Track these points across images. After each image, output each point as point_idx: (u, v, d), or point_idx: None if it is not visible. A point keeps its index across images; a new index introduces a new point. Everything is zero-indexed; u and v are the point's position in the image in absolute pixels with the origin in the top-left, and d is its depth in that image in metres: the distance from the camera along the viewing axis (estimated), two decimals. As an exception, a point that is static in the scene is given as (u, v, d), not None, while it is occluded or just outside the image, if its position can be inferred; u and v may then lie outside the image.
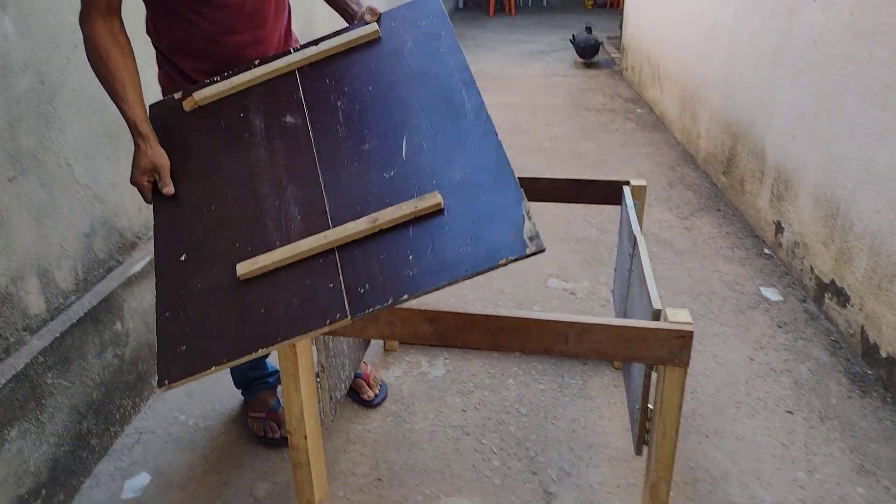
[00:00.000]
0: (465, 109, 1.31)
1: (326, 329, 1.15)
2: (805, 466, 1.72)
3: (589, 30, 7.01)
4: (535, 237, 1.13)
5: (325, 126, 1.37)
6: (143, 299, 1.98)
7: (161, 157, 1.37)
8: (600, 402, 1.96)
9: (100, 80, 1.39)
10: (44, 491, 1.55)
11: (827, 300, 2.38)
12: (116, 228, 1.94)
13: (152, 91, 1.57)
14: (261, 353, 1.15)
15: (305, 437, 1.45)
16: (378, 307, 1.13)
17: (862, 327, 2.16)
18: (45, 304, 1.65)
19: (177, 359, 1.17)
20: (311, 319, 1.15)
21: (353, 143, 1.33)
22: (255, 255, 1.24)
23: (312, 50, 1.46)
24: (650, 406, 1.37)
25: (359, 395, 1.95)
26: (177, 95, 1.47)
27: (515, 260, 1.12)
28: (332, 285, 1.17)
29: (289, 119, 1.39)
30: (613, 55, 7.29)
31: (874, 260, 2.10)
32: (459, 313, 1.30)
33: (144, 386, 1.98)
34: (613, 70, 6.69)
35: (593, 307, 2.45)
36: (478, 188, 1.21)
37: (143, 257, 2.01)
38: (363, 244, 1.20)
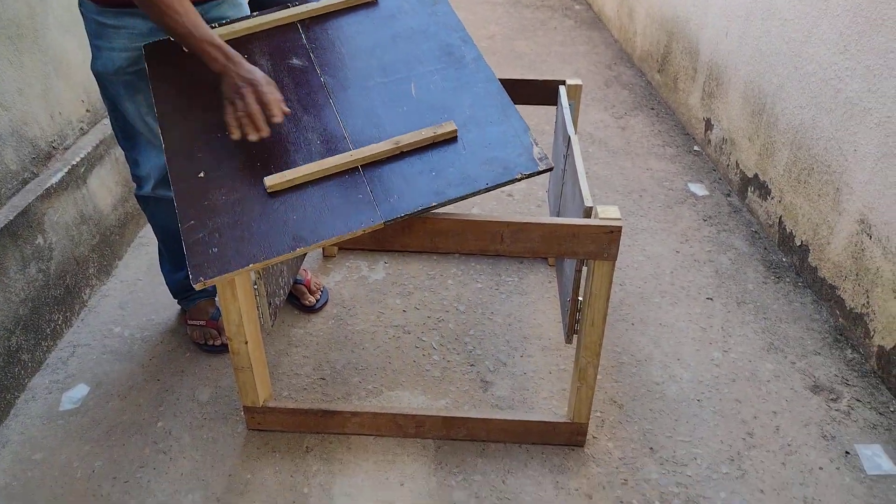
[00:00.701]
0: (466, 60, 1.44)
1: (360, 232, 1.20)
2: (721, 347, 1.86)
3: (527, -79, 6.70)
4: (544, 157, 1.27)
5: (332, 68, 1.44)
6: (65, 212, 1.90)
7: (257, 72, 1.30)
8: (535, 297, 2.03)
9: (156, 18, 1.29)
10: (-22, 407, 1.53)
11: (749, 194, 2.49)
12: (27, 138, 1.83)
13: None
14: (298, 252, 1.19)
15: (246, 343, 1.46)
16: (409, 213, 1.21)
17: (780, 218, 2.27)
18: (-44, 219, 1.57)
19: (210, 259, 1.17)
20: (347, 222, 1.21)
21: (363, 82, 1.41)
22: (280, 171, 1.27)
23: (312, 4, 1.53)
24: (580, 298, 1.44)
25: (300, 301, 1.96)
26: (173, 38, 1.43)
27: (529, 176, 1.25)
28: (361, 196, 1.24)
29: (296, 61, 1.45)
30: (553, -51, 7.03)
31: (794, 154, 2.19)
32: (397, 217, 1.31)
33: (74, 300, 1.94)
34: (552, -35, 6.48)
35: (529, 208, 2.49)
36: (486, 121, 1.33)
37: (61, 168, 1.91)
38: (386, 163, 1.28)
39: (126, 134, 1.60)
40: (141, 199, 1.71)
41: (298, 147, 1.31)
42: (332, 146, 1.31)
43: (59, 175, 1.88)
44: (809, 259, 2.09)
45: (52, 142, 1.94)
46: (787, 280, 2.13)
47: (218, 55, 1.28)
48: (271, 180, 1.25)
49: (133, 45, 1.45)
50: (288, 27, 1.50)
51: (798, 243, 2.16)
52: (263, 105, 1.26)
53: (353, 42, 1.49)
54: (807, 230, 2.11)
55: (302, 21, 1.52)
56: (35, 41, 1.85)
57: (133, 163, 1.65)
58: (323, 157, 1.29)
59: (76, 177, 1.96)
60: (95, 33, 1.47)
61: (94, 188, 2.05)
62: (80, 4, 1.47)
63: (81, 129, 2.09)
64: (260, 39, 1.47)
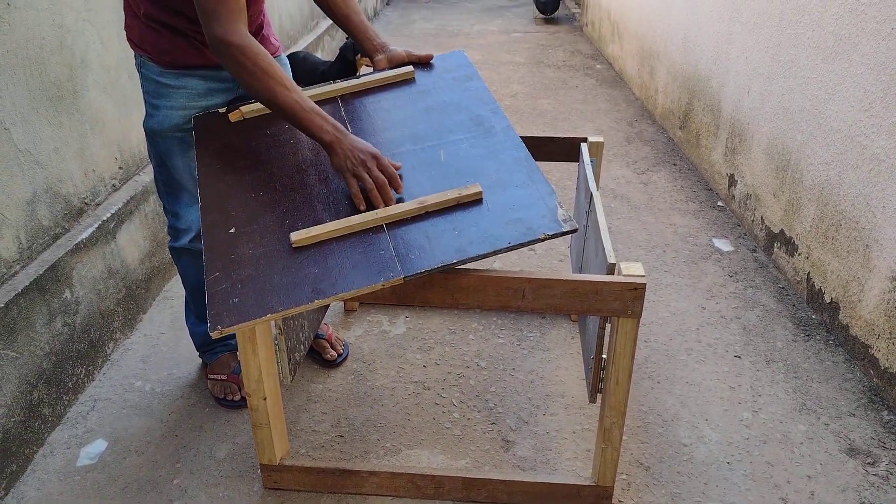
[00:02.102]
0: (496, 130, 1.48)
1: (380, 286, 1.21)
2: (751, 407, 1.79)
3: (549, -15, 6.92)
4: (568, 219, 1.27)
5: (365, 135, 1.48)
6: (93, 267, 1.94)
7: (368, 144, 1.35)
8: (557, 353, 2.00)
9: (262, 93, 1.32)
10: (-3, 461, 1.53)
11: (776, 249, 2.45)
12: (61, 194, 1.88)
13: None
14: (316, 304, 1.20)
15: (265, 399, 1.45)
16: (430, 269, 1.22)
17: (808, 274, 2.23)
18: (-12, 272, 1.60)
19: (229, 309, 1.19)
20: (367, 277, 1.22)
21: (394, 149, 1.45)
22: (306, 227, 1.32)
23: (352, 81, 1.62)
24: (604, 356, 1.41)
25: (321, 356, 1.96)
26: (221, 109, 1.55)
27: (553, 237, 1.25)
28: (383, 252, 1.26)
29: None
30: (573, 10, 7.23)
31: (821, 210, 2.16)
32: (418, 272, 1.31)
33: (98, 354, 1.95)
34: (573, 26, 6.65)
35: (551, 262, 2.48)
36: (512, 184, 1.35)
37: (92, 224, 1.96)
38: (411, 222, 1.30)
39: (170, 188, 1.65)
40: (175, 251, 1.74)
41: (327, 206, 1.35)
42: (356, 210, 1.34)
43: (90, 231, 1.93)
44: (840, 317, 2.04)
45: (84, 198, 2.00)
46: (818, 338, 2.06)
47: (328, 127, 1.32)
48: (296, 236, 1.27)
49: (190, 104, 1.54)
50: (329, 101, 1.58)
51: (828, 300, 2.11)
52: (388, 177, 1.32)
53: (387, 114, 1.54)
54: (836, 287, 2.06)
55: (342, 95, 1.59)
56: (74, 101, 1.93)
57: (174, 215, 1.69)
58: (348, 212, 1.32)
59: (105, 232, 2.01)
60: (155, 93, 1.54)
61: (122, 243, 2.10)
62: (141, 66, 1.55)
63: (114, 185, 2.15)
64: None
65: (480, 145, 1.44)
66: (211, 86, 1.55)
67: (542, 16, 6.91)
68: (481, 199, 1.31)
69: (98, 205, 2.06)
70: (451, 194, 1.31)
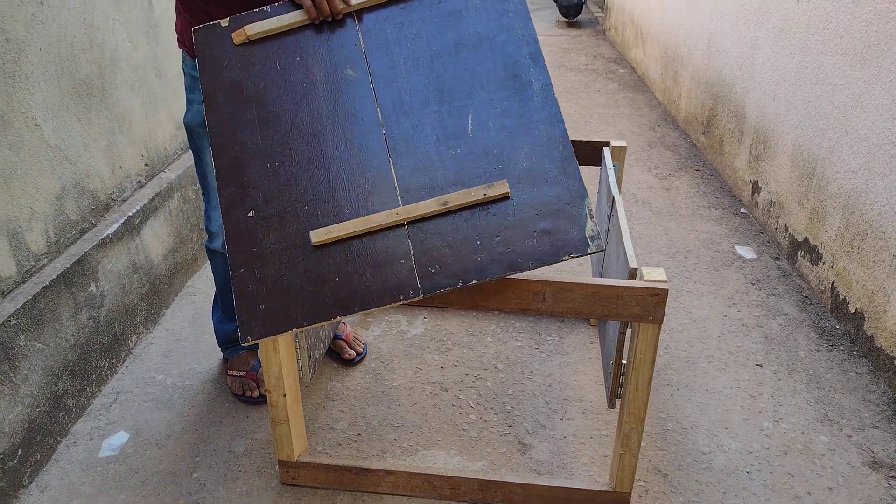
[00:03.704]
0: (533, 90, 1.31)
1: (399, 304, 1.21)
2: (772, 416, 1.77)
3: (572, -12, 6.91)
4: (596, 237, 1.21)
5: (388, 82, 1.35)
6: (119, 261, 1.97)
7: None
8: (576, 357, 1.99)
9: None
10: (20, 451, 1.56)
11: (800, 258, 2.42)
12: (89, 190, 1.92)
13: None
14: (338, 318, 1.22)
15: (284, 395, 1.46)
16: (448, 288, 1.20)
17: (832, 283, 2.20)
18: (17, 266, 1.63)
19: (257, 317, 1.22)
20: (386, 294, 1.21)
21: (419, 106, 1.33)
22: (325, 222, 1.27)
23: None
24: (624, 361, 1.40)
25: (339, 355, 1.97)
26: (224, 23, 1.38)
27: (577, 257, 1.21)
28: (403, 261, 1.23)
29: (349, 72, 1.36)
30: (596, 14, 7.21)
31: (847, 219, 2.13)
32: (438, 273, 1.31)
33: (121, 347, 1.98)
34: (596, 30, 6.62)
35: (571, 266, 2.47)
36: (542, 178, 1.26)
37: (118, 219, 1.99)
38: (433, 222, 1.25)
39: (204, 188, 1.70)
40: (209, 251, 1.77)
41: (347, 192, 1.29)
42: (380, 194, 1.28)
43: (115, 226, 1.96)
44: (865, 327, 2.01)
45: (111, 194, 2.03)
46: (842, 348, 2.04)
47: None
48: (316, 236, 1.25)
49: None
50: (344, 20, 1.39)
51: (852, 310, 2.08)
52: None
53: (412, 47, 1.36)
54: (861, 297, 2.03)
55: (359, 11, 1.38)
56: (103, 99, 1.96)
57: (206, 217, 1.72)
58: (369, 202, 1.28)
59: (131, 227, 2.04)
60: (190, 87, 1.58)
61: (147, 239, 2.13)
62: (183, 61, 1.59)
63: (139, 181, 2.18)
64: (312, 37, 1.37)
65: (514, 112, 1.30)
66: None
67: (564, 19, 6.89)
68: (508, 197, 1.25)
69: (124, 201, 2.09)
70: (476, 194, 1.25)
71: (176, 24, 1.58)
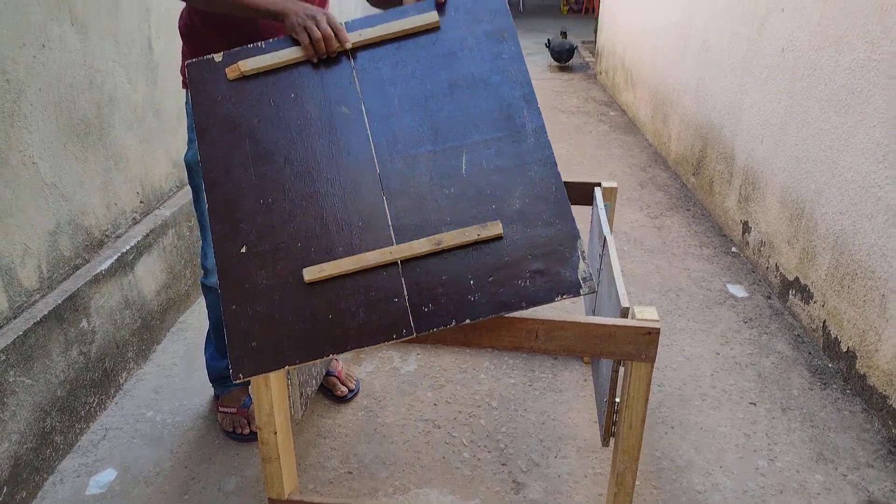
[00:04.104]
0: (526, 131, 1.32)
1: (393, 342, 1.22)
2: (766, 455, 1.76)
3: (564, 34, 7.10)
4: (588, 278, 1.21)
5: (382, 121, 1.35)
6: (111, 297, 1.96)
7: (315, 8, 1.35)
8: (569, 395, 1.98)
9: (210, 1, 1.40)
10: (5, 489, 1.53)
11: (791, 297, 2.44)
12: (83, 227, 1.93)
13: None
14: (330, 356, 1.22)
15: (275, 433, 1.45)
16: (442, 327, 1.20)
17: (824, 322, 2.21)
18: (8, 302, 1.63)
19: (249, 354, 1.22)
20: (380, 332, 1.21)
21: (413, 149, 1.33)
22: (318, 259, 1.26)
23: (367, 31, 1.38)
24: (617, 399, 1.40)
25: (332, 393, 1.95)
26: (217, 58, 1.38)
27: (570, 297, 1.21)
28: (396, 300, 1.23)
29: (344, 110, 1.36)
30: (588, 59, 7.38)
31: (837, 258, 2.16)
32: (431, 309, 1.31)
33: (111, 383, 1.96)
34: (588, 74, 6.77)
35: (564, 305, 2.47)
36: (536, 219, 1.26)
37: (112, 255, 1.99)
38: (426, 261, 1.25)
39: (201, 225, 1.71)
40: (204, 287, 1.78)
41: (341, 229, 1.28)
42: (373, 232, 1.28)
43: (109, 262, 1.96)
44: (857, 366, 2.01)
45: (105, 230, 2.04)
46: (835, 387, 2.04)
47: (273, 5, 1.35)
48: (309, 274, 1.25)
49: None
50: (339, 58, 1.38)
51: (844, 349, 2.09)
52: (335, 29, 1.33)
53: (406, 86, 1.36)
54: (853, 336, 2.05)
55: (355, 49, 1.38)
56: (100, 138, 1.99)
57: (203, 253, 1.74)
58: (364, 246, 1.27)
59: (124, 263, 2.04)
60: (191, 126, 1.61)
61: (140, 275, 2.13)
62: (186, 102, 1.62)
63: (134, 218, 2.19)
64: (307, 74, 1.38)
65: (507, 153, 1.30)
66: None
67: (556, 64, 7.05)
68: (502, 238, 1.25)
69: (118, 237, 2.10)
70: (469, 234, 1.25)
71: (181, 67, 1.62)
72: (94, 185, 1.97)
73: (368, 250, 1.26)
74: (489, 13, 1.40)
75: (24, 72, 1.66)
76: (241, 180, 1.33)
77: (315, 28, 1.31)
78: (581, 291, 1.21)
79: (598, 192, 1.90)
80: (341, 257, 1.26)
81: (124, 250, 2.05)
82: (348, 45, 1.34)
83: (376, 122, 1.34)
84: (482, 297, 1.22)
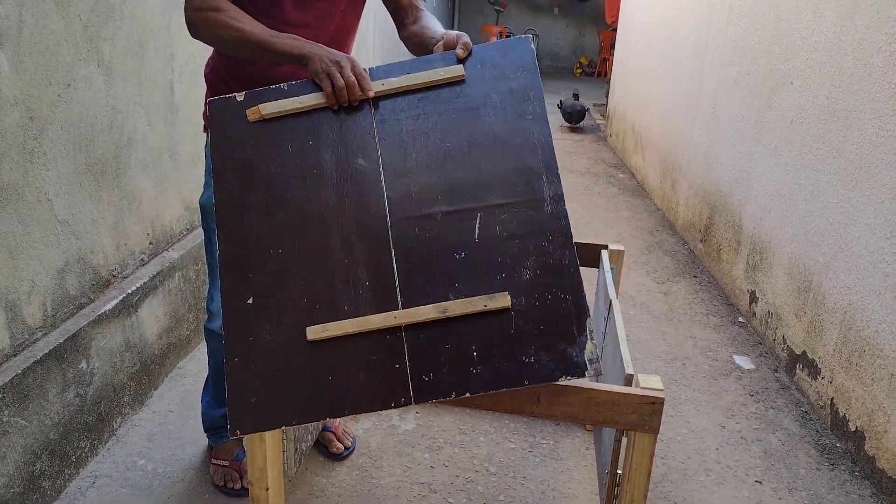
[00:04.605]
0: (544, 198, 1.27)
1: (391, 409, 1.21)
2: (773, 539, 1.70)
3: (576, 96, 7.24)
4: (595, 360, 1.18)
5: (398, 177, 1.32)
6: (113, 339, 1.95)
7: (340, 54, 1.32)
8: (570, 463, 1.93)
9: (233, 36, 1.37)
10: (-12, 534, 1.49)
11: (798, 371, 2.40)
12: (91, 265, 1.93)
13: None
14: (328, 419, 1.21)
15: (267, 489, 1.41)
16: (441, 399, 1.18)
17: (832, 400, 2.17)
18: (10, 339, 1.62)
19: (248, 410, 1.20)
20: (378, 399, 1.19)
21: (427, 205, 1.30)
22: (323, 317, 1.24)
23: (391, 81, 1.35)
24: (619, 471, 1.36)
25: (327, 449, 1.91)
26: (239, 97, 1.36)
27: (574, 378, 1.18)
28: (398, 366, 1.20)
29: (361, 162, 1.33)
30: (599, 121, 7.50)
31: (844, 334, 2.13)
32: (433, 369, 1.29)
33: (105, 428, 1.93)
34: (598, 136, 6.88)
35: (568, 367, 2.44)
36: (546, 293, 1.22)
37: (117, 296, 1.99)
38: (430, 328, 1.22)
39: (211, 268, 1.71)
40: (207, 331, 1.76)
41: (347, 286, 1.26)
42: (379, 294, 1.25)
43: (113, 303, 1.96)
44: (866, 447, 1.96)
45: (112, 270, 2.04)
46: (843, 468, 1.98)
47: (300, 43, 1.33)
48: (313, 332, 1.23)
49: None
50: (360, 106, 1.35)
51: (853, 429, 2.04)
52: (358, 77, 1.30)
53: (426, 141, 1.33)
54: (861, 416, 2.00)
55: (376, 99, 1.35)
56: (115, 178, 2.01)
57: (209, 297, 1.73)
58: (369, 307, 1.24)
59: (129, 305, 2.03)
60: (208, 169, 1.62)
61: (143, 317, 2.12)
62: (206, 145, 1.63)
63: (142, 259, 2.20)
64: (327, 121, 1.35)
65: (523, 220, 1.26)
66: None
67: (567, 125, 7.17)
68: (509, 310, 1.21)
69: (125, 278, 2.10)
70: (476, 304, 1.21)
71: (204, 112, 1.64)
72: (106, 224, 1.98)
73: (373, 311, 1.24)
74: (517, 69, 1.35)
75: (48, 110, 1.70)
76: (253, 227, 1.31)
77: (338, 76, 1.29)
78: (587, 374, 1.17)
79: (604, 254, 1.90)
80: (346, 316, 1.24)
81: (129, 291, 2.04)
82: (371, 94, 1.32)
83: (392, 177, 1.32)
84: (484, 370, 1.18)
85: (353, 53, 1.63)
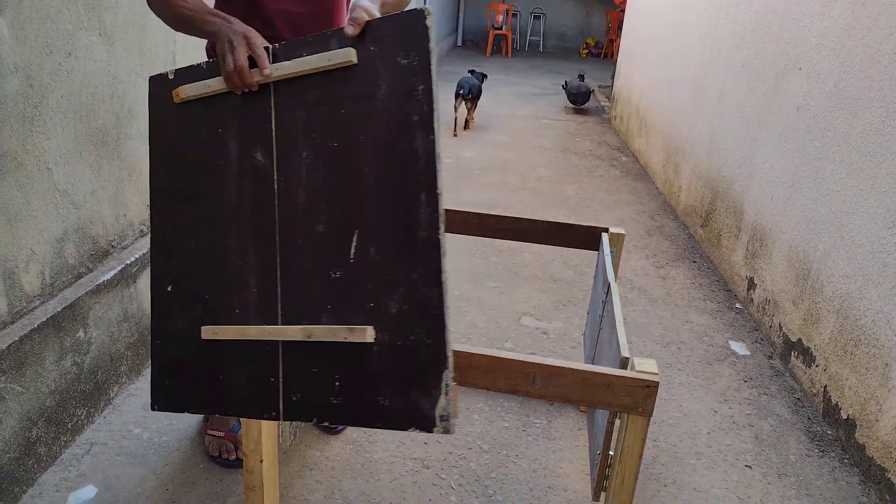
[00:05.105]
0: (419, 221, 1.13)
1: (262, 419, 1.31)
2: (760, 523, 1.72)
3: (582, 77, 7.18)
4: (446, 417, 1.11)
5: (289, 179, 1.23)
6: (111, 308, 1.96)
7: (248, 29, 1.22)
8: (563, 443, 1.95)
9: (167, 13, 1.35)
10: (-15, 498, 1.51)
11: (793, 358, 2.41)
12: (90, 235, 1.93)
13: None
14: (215, 414, 1.30)
15: (261, 461, 1.43)
16: (303, 421, 1.25)
17: (825, 387, 2.18)
18: (8, 307, 1.62)
19: (164, 390, 1.32)
20: (255, 408, 1.27)
21: (311, 215, 1.21)
22: (220, 317, 1.29)
23: (284, 66, 1.21)
24: (611, 452, 1.37)
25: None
26: (170, 75, 1.29)
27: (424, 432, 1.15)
28: (273, 380, 1.24)
29: (258, 157, 1.25)
30: (603, 103, 7.45)
31: (841, 323, 2.14)
32: (428, 347, 1.30)
33: (101, 396, 1.94)
34: (602, 118, 6.83)
35: (564, 349, 2.45)
36: (409, 332, 1.14)
37: (115, 266, 1.99)
38: (302, 348, 1.23)
39: None
40: None
41: (240, 288, 1.26)
42: (265, 301, 1.24)
43: (112, 273, 1.96)
44: (857, 435, 1.98)
45: (112, 241, 2.04)
46: (833, 455, 2.00)
47: (215, 19, 1.26)
48: (206, 332, 1.28)
49: None
50: (262, 91, 1.23)
51: (844, 416, 2.05)
52: (257, 57, 1.18)
53: (315, 140, 1.21)
54: (854, 404, 2.01)
55: (276, 85, 1.23)
56: (116, 148, 2.00)
57: None
58: (256, 311, 1.25)
59: (127, 276, 2.04)
60: None
61: (141, 287, 2.12)
62: None
63: (142, 230, 2.20)
64: (234, 105, 1.26)
65: (397, 246, 1.14)
66: None
67: (572, 106, 7.12)
68: (372, 346, 1.16)
69: (124, 248, 2.10)
70: (338, 334, 1.17)
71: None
72: (106, 195, 1.98)
73: (259, 320, 1.25)
74: (408, 53, 1.14)
75: (49, 78, 1.68)
76: (175, 215, 1.32)
77: (229, 59, 1.17)
78: (435, 430, 1.11)
79: (605, 237, 1.90)
80: (237, 319, 1.27)
81: (128, 262, 2.04)
82: (267, 77, 1.19)
83: (283, 179, 1.23)
84: (343, 402, 1.18)
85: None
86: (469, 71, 6.20)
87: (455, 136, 5.64)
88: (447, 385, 1.11)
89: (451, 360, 1.12)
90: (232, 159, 1.26)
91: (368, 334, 1.15)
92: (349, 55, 1.16)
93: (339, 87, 1.20)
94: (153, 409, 1.32)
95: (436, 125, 1.13)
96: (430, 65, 1.12)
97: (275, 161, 1.23)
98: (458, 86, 5.61)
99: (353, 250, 1.18)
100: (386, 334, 1.15)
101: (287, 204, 1.23)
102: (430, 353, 1.12)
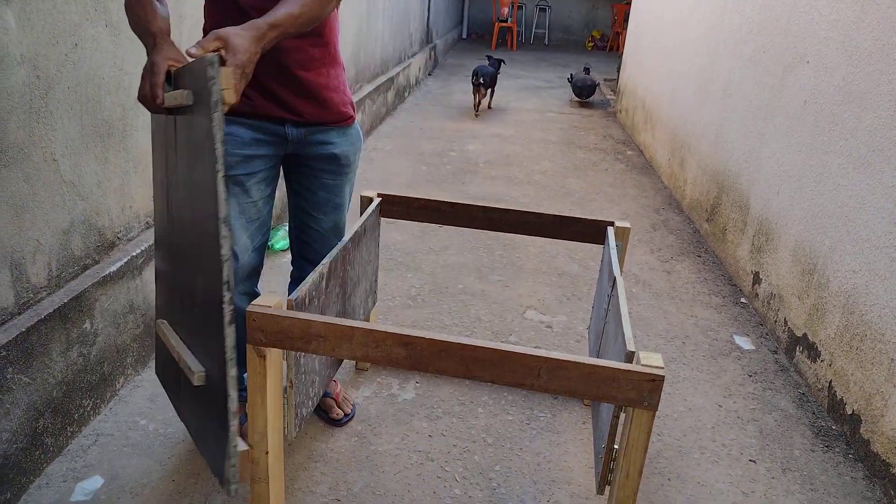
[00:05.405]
0: (205, 268, 1.22)
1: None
2: (764, 517, 1.72)
3: (587, 70, 7.15)
4: (231, 481, 1.23)
5: (174, 204, 1.38)
6: (116, 300, 1.96)
7: (160, 56, 1.27)
8: (567, 437, 1.95)
9: (131, 25, 1.38)
10: (-7, 487, 1.52)
11: (798, 353, 2.41)
12: (97, 227, 1.93)
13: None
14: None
15: (267, 453, 1.43)
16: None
17: (830, 383, 2.18)
18: (14, 298, 1.63)
19: (160, 364, 1.58)
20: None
21: (180, 247, 1.38)
22: (168, 315, 1.52)
23: (168, 96, 1.27)
24: (616, 446, 1.37)
25: (327, 415, 1.93)
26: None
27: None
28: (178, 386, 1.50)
29: (168, 176, 1.41)
30: (609, 97, 7.42)
31: (847, 318, 2.13)
32: (434, 339, 1.30)
33: (107, 387, 1.95)
34: (607, 111, 6.81)
35: (568, 342, 2.45)
36: (210, 392, 1.28)
37: (121, 258, 1.99)
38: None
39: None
40: None
41: (174, 294, 1.48)
42: (175, 315, 1.48)
43: (118, 264, 1.96)
44: (861, 430, 1.98)
45: (118, 232, 2.04)
46: (837, 450, 2.00)
47: (149, 40, 1.33)
48: (159, 329, 1.54)
49: (235, 151, 1.57)
50: (174, 114, 1.30)
51: (849, 412, 2.05)
52: (151, 87, 1.27)
53: (180, 170, 1.32)
54: (859, 399, 2.01)
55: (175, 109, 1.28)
56: (122, 140, 2.00)
57: None
58: (175, 319, 1.49)
59: (133, 267, 2.04)
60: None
61: (147, 279, 2.13)
62: None
63: (147, 222, 2.20)
64: (171, 125, 1.34)
65: (204, 292, 1.27)
66: (257, 136, 1.60)
67: (577, 99, 7.09)
68: (203, 386, 1.32)
69: (130, 240, 2.11)
70: (188, 370, 1.35)
71: None
72: (112, 186, 1.98)
73: (175, 330, 1.49)
74: (198, 104, 1.16)
75: (55, 69, 1.68)
76: (158, 217, 1.52)
77: (141, 85, 1.29)
78: (228, 489, 1.26)
79: (610, 231, 1.90)
80: (171, 321, 1.51)
81: (134, 253, 2.05)
82: (164, 102, 1.26)
83: (172, 203, 1.39)
84: (203, 433, 1.43)
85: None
86: (486, 57, 6.52)
87: (476, 116, 6.18)
88: (232, 452, 1.22)
89: (236, 425, 1.21)
90: (161, 173, 1.46)
91: (199, 378, 1.30)
92: (181, 97, 1.20)
93: (184, 125, 1.28)
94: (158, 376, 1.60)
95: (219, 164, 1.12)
96: (209, 116, 1.10)
97: (167, 186, 1.41)
98: (473, 74, 6.07)
99: (199, 292, 1.30)
100: (209, 381, 1.31)
101: (168, 232, 1.45)
102: (219, 419, 1.23)
